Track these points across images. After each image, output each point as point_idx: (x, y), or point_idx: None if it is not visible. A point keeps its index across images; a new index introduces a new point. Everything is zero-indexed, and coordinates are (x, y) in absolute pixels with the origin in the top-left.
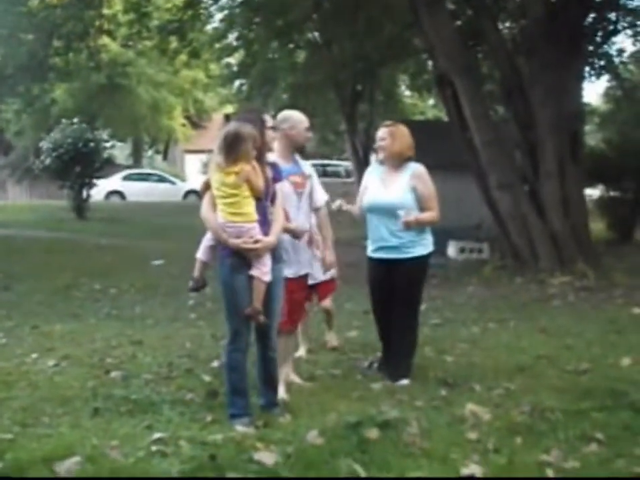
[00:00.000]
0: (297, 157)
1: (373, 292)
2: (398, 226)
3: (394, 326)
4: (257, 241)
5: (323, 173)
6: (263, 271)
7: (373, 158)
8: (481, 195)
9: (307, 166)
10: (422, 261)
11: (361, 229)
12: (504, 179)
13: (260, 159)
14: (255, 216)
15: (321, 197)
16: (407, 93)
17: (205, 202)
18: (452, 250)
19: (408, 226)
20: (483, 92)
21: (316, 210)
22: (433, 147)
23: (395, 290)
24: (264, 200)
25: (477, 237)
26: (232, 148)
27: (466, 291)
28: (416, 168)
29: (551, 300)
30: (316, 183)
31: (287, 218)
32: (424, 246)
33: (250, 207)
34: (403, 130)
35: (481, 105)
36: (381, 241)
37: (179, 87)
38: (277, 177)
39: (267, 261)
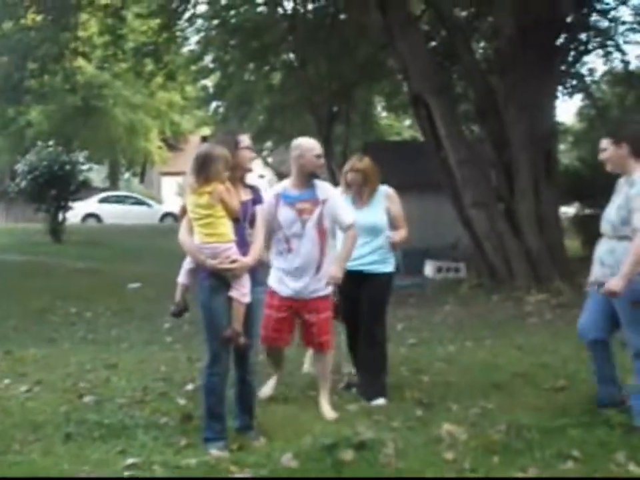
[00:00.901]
0: (316, 182)
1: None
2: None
3: (362, 339)
4: (233, 261)
5: None
6: (241, 292)
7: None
8: (456, 215)
9: (325, 189)
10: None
11: None
12: (479, 198)
13: (234, 179)
14: (232, 236)
15: (346, 217)
16: (383, 113)
17: (183, 226)
18: (429, 269)
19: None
20: (457, 112)
21: (345, 229)
22: (408, 167)
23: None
24: (241, 221)
25: (454, 256)
26: (203, 168)
27: (443, 310)
28: (385, 190)
29: (527, 318)
30: (338, 204)
31: (266, 242)
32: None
33: (225, 227)
34: (371, 165)
35: (455, 125)
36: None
37: (155, 109)
38: (257, 199)
39: (246, 282)
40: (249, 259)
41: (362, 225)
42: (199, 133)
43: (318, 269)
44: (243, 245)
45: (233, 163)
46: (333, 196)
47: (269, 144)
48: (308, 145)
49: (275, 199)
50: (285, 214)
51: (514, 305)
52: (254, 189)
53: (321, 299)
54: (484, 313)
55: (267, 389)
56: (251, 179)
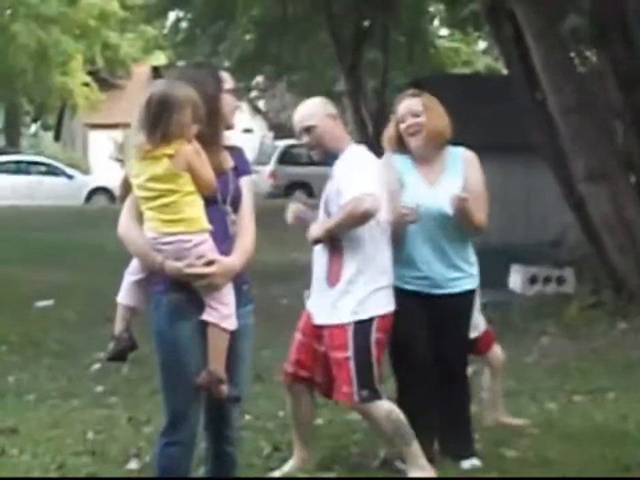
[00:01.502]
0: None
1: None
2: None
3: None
4: (210, 262)
5: (310, 158)
6: (222, 313)
7: (387, 148)
8: (560, 193)
9: (342, 162)
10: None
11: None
12: (597, 167)
13: (210, 138)
14: (206, 224)
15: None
16: (443, 31)
17: (125, 211)
18: (517, 280)
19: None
20: (561, 29)
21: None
22: (483, 116)
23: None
24: (220, 202)
25: (556, 260)
26: (160, 119)
27: (538, 344)
28: (463, 153)
29: None
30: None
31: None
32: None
33: (196, 208)
34: (437, 102)
35: (558, 50)
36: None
37: (78, 23)
38: (242, 167)
39: (229, 297)
40: (234, 260)
41: (432, 212)
42: (148, 61)
43: (329, 280)
44: (224, 238)
45: (209, 114)
46: (349, 166)
47: (258, 80)
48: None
49: None
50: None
51: None
52: (236, 153)
53: (336, 330)
54: (604, 348)
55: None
56: (231, 136)
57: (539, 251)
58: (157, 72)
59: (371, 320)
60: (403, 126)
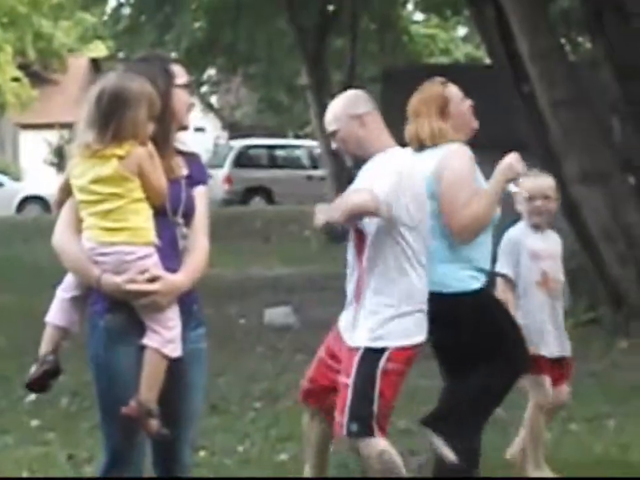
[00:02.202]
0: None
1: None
2: None
3: None
4: (154, 279)
5: (270, 160)
6: (165, 337)
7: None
8: None
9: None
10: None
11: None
12: (592, 167)
13: (161, 140)
14: (153, 237)
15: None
16: (418, 16)
17: (62, 218)
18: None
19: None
20: (550, 12)
21: None
22: None
23: None
24: (170, 213)
25: None
26: (112, 116)
27: None
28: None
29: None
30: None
31: None
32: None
33: (143, 218)
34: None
35: (547, 36)
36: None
37: (6, 10)
38: (198, 176)
39: (174, 319)
40: (181, 279)
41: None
42: (86, 53)
43: (355, 297)
44: (172, 254)
45: (164, 111)
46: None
47: (210, 73)
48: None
49: None
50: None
51: None
52: (191, 159)
53: (348, 352)
54: (603, 370)
55: None
56: (185, 139)
57: None
58: (96, 65)
59: (383, 349)
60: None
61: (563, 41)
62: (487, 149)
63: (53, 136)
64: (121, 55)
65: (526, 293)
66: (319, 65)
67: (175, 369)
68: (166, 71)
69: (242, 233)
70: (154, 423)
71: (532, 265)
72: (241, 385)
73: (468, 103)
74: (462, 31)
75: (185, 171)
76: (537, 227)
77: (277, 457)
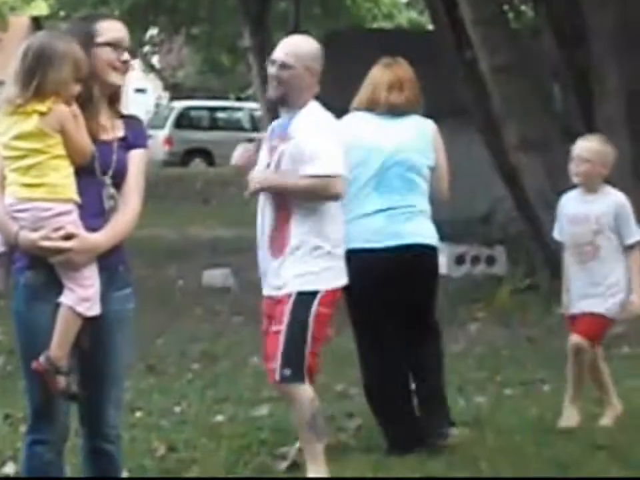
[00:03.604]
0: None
1: None
2: None
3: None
4: (69, 236)
5: (211, 122)
6: (79, 295)
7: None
8: (491, 163)
9: (303, 120)
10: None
11: None
12: (533, 134)
13: (86, 100)
14: (73, 194)
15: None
16: None
17: None
18: (442, 260)
19: None
20: None
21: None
22: None
23: None
24: (98, 174)
25: (486, 238)
26: (34, 73)
27: (466, 332)
28: None
29: (614, 345)
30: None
31: None
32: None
33: (62, 175)
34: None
35: (489, 2)
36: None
37: None
38: (135, 140)
39: (91, 278)
40: (98, 238)
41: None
42: (28, 12)
43: (273, 250)
44: (96, 213)
45: (90, 71)
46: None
47: (152, 33)
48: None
49: None
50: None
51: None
52: (130, 123)
53: (278, 301)
54: (539, 336)
55: None
56: (126, 103)
57: (466, 228)
58: (37, 23)
59: (315, 293)
60: None
61: (505, 8)
62: (428, 116)
63: None
64: (62, 13)
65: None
66: (261, 27)
67: (97, 328)
68: (86, 30)
69: (182, 195)
70: (61, 380)
71: (566, 229)
72: (178, 346)
73: None
74: None
75: (119, 133)
76: (581, 188)
77: (213, 418)
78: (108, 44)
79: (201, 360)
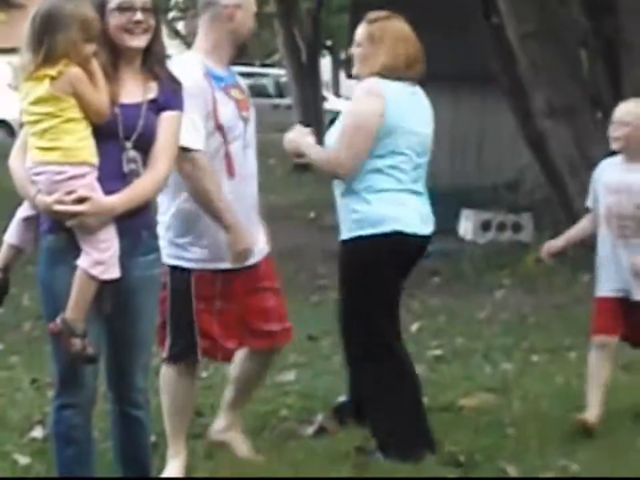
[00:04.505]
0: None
1: None
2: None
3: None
4: (82, 200)
5: None
6: (94, 258)
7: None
8: (518, 129)
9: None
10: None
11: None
12: (560, 101)
13: (103, 63)
14: (90, 156)
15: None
16: None
17: (18, 142)
18: (468, 226)
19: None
20: None
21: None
22: (433, 42)
23: None
24: (121, 137)
25: (512, 204)
26: (43, 37)
27: (492, 298)
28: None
29: None
30: None
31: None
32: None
33: (76, 137)
34: (395, 31)
35: None
36: None
37: None
38: (166, 101)
39: (106, 242)
40: (112, 201)
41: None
42: None
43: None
44: (115, 176)
45: (103, 31)
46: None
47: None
48: None
49: (207, 79)
50: (225, 107)
51: None
52: (164, 84)
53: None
54: (565, 303)
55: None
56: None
57: (492, 194)
58: None
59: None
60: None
61: None
62: (455, 81)
63: (18, 60)
64: None
65: (598, 226)
66: None
67: (120, 293)
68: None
69: None
70: (76, 342)
71: (602, 199)
72: None
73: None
74: None
75: (150, 95)
76: (622, 156)
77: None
78: (117, 8)
79: None
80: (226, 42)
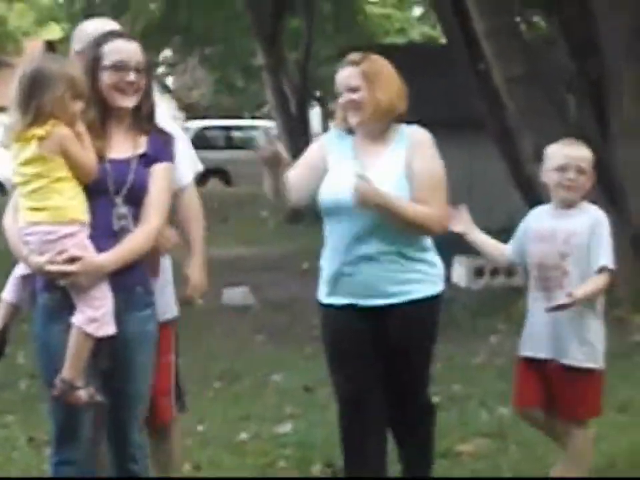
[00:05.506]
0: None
1: (339, 360)
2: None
3: (397, 417)
4: (73, 259)
5: (227, 141)
6: (88, 316)
7: (331, 124)
8: (508, 174)
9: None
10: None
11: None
12: (547, 144)
13: (91, 120)
14: (80, 214)
15: (187, 171)
16: None
17: (11, 202)
18: (461, 273)
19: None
20: None
21: (179, 192)
22: (420, 90)
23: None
24: (111, 193)
25: None
26: (31, 97)
27: (487, 344)
28: (413, 132)
29: (636, 353)
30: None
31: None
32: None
33: (66, 197)
34: (385, 67)
35: (503, 14)
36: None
37: None
38: (156, 154)
39: (100, 300)
40: (103, 259)
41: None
42: (42, 35)
43: None
44: (106, 234)
45: (92, 88)
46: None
47: (167, 54)
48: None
49: None
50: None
51: (613, 332)
52: (155, 138)
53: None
54: None
55: None
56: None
57: None
58: (51, 47)
59: None
60: (340, 102)
61: (517, 19)
62: (443, 127)
63: (6, 119)
64: None
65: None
66: (274, 45)
67: (116, 349)
68: (93, 54)
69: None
70: (81, 394)
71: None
72: (200, 365)
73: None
74: (417, 10)
75: (140, 150)
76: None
77: (237, 436)
78: (111, 67)
79: (223, 378)
80: None
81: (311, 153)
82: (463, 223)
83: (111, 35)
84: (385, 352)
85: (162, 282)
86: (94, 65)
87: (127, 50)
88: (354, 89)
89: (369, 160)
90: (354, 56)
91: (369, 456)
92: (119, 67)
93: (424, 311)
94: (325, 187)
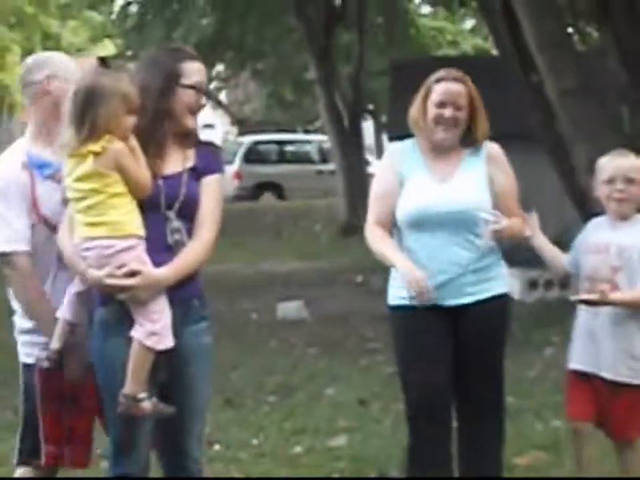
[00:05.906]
0: None
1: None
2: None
3: (475, 422)
4: (132, 273)
5: (280, 156)
6: (147, 329)
7: (388, 143)
8: (562, 187)
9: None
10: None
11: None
12: (601, 155)
13: (151, 137)
14: (136, 229)
15: None
16: (425, 9)
17: (65, 218)
18: (515, 285)
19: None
20: (557, 2)
21: None
22: None
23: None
24: (163, 207)
25: None
26: (85, 113)
27: (541, 356)
28: (491, 147)
29: None
30: None
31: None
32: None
33: (122, 211)
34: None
35: (555, 26)
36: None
37: (13, 11)
38: (205, 167)
39: (161, 312)
40: (163, 273)
41: (448, 212)
42: (96, 52)
43: None
44: (160, 248)
45: (153, 111)
46: None
47: (219, 68)
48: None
49: (26, 171)
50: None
51: None
52: (202, 150)
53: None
54: None
55: None
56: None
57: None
58: (104, 63)
59: None
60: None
61: (570, 30)
62: (496, 140)
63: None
64: (129, 53)
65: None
66: (326, 59)
67: (173, 362)
68: (171, 67)
69: (253, 229)
70: (146, 405)
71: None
72: (255, 378)
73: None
74: (469, 23)
75: (189, 164)
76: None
77: (292, 450)
78: (192, 87)
79: (277, 392)
80: (50, 119)
81: (381, 180)
82: (531, 227)
83: (184, 53)
84: (462, 351)
85: None
86: (173, 80)
87: (204, 72)
88: (459, 107)
89: (445, 169)
90: (456, 73)
91: (437, 463)
92: (199, 88)
93: (502, 305)
94: (408, 200)
